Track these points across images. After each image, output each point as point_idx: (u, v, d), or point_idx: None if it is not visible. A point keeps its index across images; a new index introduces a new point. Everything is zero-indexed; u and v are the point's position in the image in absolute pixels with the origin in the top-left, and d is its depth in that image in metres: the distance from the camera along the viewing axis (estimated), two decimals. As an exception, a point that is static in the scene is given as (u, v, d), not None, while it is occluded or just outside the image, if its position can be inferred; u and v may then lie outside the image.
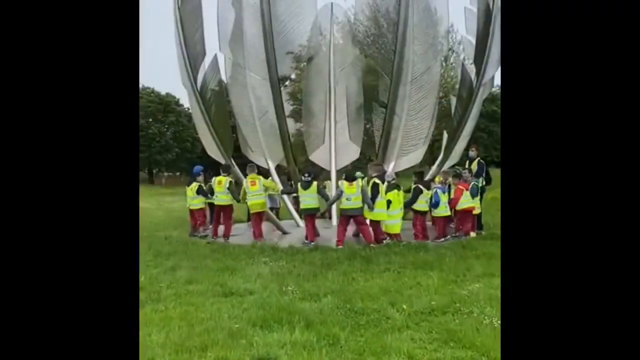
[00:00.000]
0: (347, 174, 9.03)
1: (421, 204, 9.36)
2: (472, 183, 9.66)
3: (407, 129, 11.02)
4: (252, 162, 10.63)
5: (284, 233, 10.40)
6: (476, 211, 9.80)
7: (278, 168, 11.73)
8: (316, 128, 12.07)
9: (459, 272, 6.36)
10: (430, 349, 3.80)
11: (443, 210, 9.37)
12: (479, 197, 9.84)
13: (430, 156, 16.61)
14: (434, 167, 11.10)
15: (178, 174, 47.12)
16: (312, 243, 8.74)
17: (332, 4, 12.02)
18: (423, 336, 4.08)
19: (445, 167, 11.02)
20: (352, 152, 11.88)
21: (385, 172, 9.83)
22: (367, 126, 13.50)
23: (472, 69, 10.98)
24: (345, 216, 8.79)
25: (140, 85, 42.49)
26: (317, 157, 11.89)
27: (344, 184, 8.75)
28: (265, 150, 11.38)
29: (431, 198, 9.40)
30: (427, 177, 10.76)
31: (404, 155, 11.07)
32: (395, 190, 9.00)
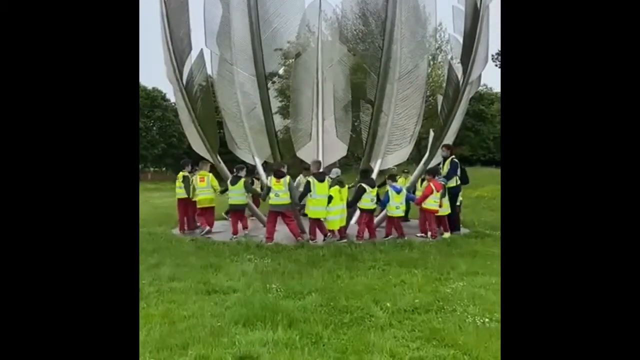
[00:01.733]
0: (275, 170, 9.15)
1: (365, 202, 9.19)
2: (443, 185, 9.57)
3: (393, 126, 11.02)
4: (204, 159, 10.64)
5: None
6: (443, 212, 9.65)
7: (265, 165, 11.68)
8: (303, 125, 12.02)
9: (443, 270, 6.39)
10: (412, 347, 3.81)
11: (392, 211, 9.30)
12: (447, 197, 9.75)
13: (418, 154, 16.67)
14: (420, 165, 11.12)
15: (164, 169, 46.76)
16: (235, 237, 9.22)
17: (320, 0, 11.97)
18: (406, 334, 4.08)
19: (431, 165, 11.04)
20: (340, 150, 11.85)
21: (331, 169, 9.89)
22: (355, 124, 13.48)
23: (459, 68, 11.00)
24: (274, 212, 8.94)
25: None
26: (305, 154, 11.84)
27: (272, 180, 8.94)
28: (252, 147, 11.31)
29: (377, 196, 9.40)
30: (413, 175, 10.77)
31: (391, 153, 11.07)
32: (337, 187, 8.92)
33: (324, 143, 11.57)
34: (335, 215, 8.89)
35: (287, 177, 8.94)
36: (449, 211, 9.85)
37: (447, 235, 9.47)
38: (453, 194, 10.04)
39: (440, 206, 9.51)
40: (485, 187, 19.14)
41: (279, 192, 8.80)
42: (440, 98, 11.55)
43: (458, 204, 10.62)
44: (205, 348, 3.71)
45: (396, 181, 9.97)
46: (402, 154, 11.16)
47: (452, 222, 10.04)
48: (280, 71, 14.58)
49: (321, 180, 8.87)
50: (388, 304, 4.83)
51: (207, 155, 10.97)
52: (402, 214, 9.64)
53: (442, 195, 9.51)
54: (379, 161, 10.93)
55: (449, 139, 11.37)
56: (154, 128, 42.47)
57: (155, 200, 20.08)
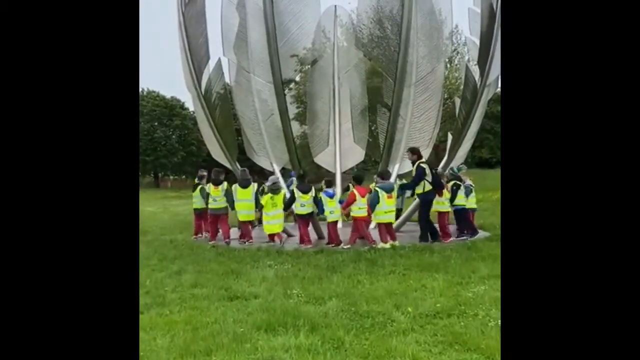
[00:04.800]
0: (215, 177, 9.84)
1: (296, 207, 9.31)
2: (373, 189, 9.14)
3: (411, 130, 11.02)
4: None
5: (289, 236, 10.41)
6: (382, 219, 8.99)
7: (283, 171, 11.76)
8: (321, 130, 12.08)
9: (465, 274, 6.33)
10: (435, 352, 3.79)
11: (327, 215, 9.16)
12: (383, 204, 8.85)
13: (436, 158, 16.58)
14: (439, 169, 11.06)
15: (184, 177, 47.26)
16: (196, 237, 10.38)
17: (335, 6, 12.04)
18: (428, 339, 4.06)
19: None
20: (357, 155, 11.89)
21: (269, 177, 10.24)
22: (372, 128, 13.50)
23: (476, 70, 10.94)
24: (212, 215, 9.88)
25: (146, 89, 42.72)
26: (322, 159, 11.90)
27: (210, 186, 9.78)
28: (270, 153, 11.41)
29: (316, 200, 9.34)
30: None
31: (409, 157, 11.04)
32: (270, 194, 9.30)
33: (341, 148, 11.63)
34: (270, 221, 9.32)
35: (225, 184, 9.72)
36: (391, 220, 9.17)
37: (387, 245, 8.72)
38: (423, 200, 9.33)
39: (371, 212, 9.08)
40: (506, 189, 18.91)
41: (217, 197, 9.66)
42: (458, 101, 11.50)
43: (474, 207, 10.42)
44: (228, 354, 3.74)
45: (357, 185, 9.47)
46: (420, 157, 11.11)
47: (424, 230, 9.33)
48: (297, 78, 14.68)
49: (244, 187, 9.56)
50: (409, 309, 4.81)
51: (226, 163, 11.10)
52: (337, 219, 9.28)
53: (374, 202, 8.89)
54: (396, 165, 10.92)
55: (468, 141, 11.31)
56: (173, 136, 43.02)
57: (176, 208, 20.32)
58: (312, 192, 9.30)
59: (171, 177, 49.05)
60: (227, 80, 11.41)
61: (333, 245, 8.91)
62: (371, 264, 7.17)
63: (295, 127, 12.83)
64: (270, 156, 11.39)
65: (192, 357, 3.74)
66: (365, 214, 9.04)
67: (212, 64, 10.58)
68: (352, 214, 9.07)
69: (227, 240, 9.63)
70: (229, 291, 5.69)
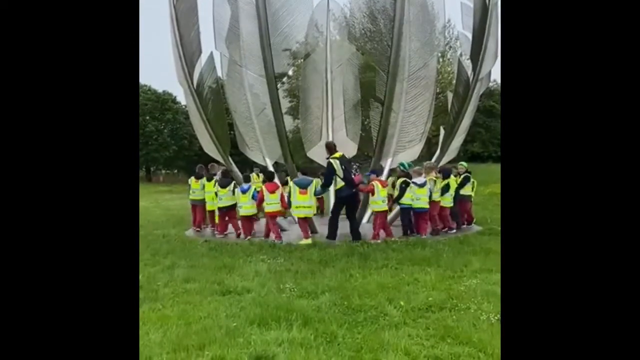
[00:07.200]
0: (198, 171, 10.96)
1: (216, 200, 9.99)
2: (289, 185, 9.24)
3: (403, 124, 11.00)
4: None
5: (282, 230, 10.40)
6: (300, 214, 8.96)
7: (276, 165, 11.74)
8: (313, 125, 12.05)
9: (456, 268, 6.37)
10: (427, 345, 3.81)
11: (242, 210, 9.53)
12: (294, 198, 8.86)
13: (428, 152, 16.61)
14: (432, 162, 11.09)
15: (176, 171, 47.07)
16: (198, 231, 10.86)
17: (328, 0, 11.99)
18: (420, 332, 4.09)
19: (442, 163, 11.02)
20: (350, 149, 11.86)
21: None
22: (365, 122, 13.48)
23: (469, 65, 10.96)
24: (193, 205, 11.07)
25: (137, 83, 42.34)
26: (315, 153, 11.87)
27: (192, 180, 10.96)
28: (262, 148, 11.37)
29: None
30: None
31: (401, 151, 11.05)
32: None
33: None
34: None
35: (204, 179, 10.71)
36: (305, 215, 8.96)
37: (305, 241, 8.63)
38: (337, 197, 9.10)
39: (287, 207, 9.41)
40: (498, 183, 19.03)
41: (196, 190, 10.86)
42: (450, 95, 11.52)
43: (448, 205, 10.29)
44: (221, 348, 3.74)
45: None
46: (412, 152, 11.15)
47: (331, 227, 8.96)
48: (290, 72, 14.61)
49: (209, 180, 10.50)
50: (402, 303, 4.83)
51: (218, 157, 11.07)
52: (247, 213, 9.47)
53: (288, 196, 9.06)
54: (389, 160, 10.93)
55: (460, 136, 11.35)
56: (165, 131, 42.68)
57: (168, 202, 20.25)
58: (231, 187, 9.72)
59: (163, 172, 48.82)
60: (219, 74, 11.35)
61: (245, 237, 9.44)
62: (364, 258, 7.19)
63: (288, 121, 12.77)
64: (263, 150, 11.35)
65: (185, 351, 3.73)
66: (276, 209, 9.29)
67: (204, 57, 10.53)
68: (265, 209, 9.33)
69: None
70: (222, 286, 5.69)
